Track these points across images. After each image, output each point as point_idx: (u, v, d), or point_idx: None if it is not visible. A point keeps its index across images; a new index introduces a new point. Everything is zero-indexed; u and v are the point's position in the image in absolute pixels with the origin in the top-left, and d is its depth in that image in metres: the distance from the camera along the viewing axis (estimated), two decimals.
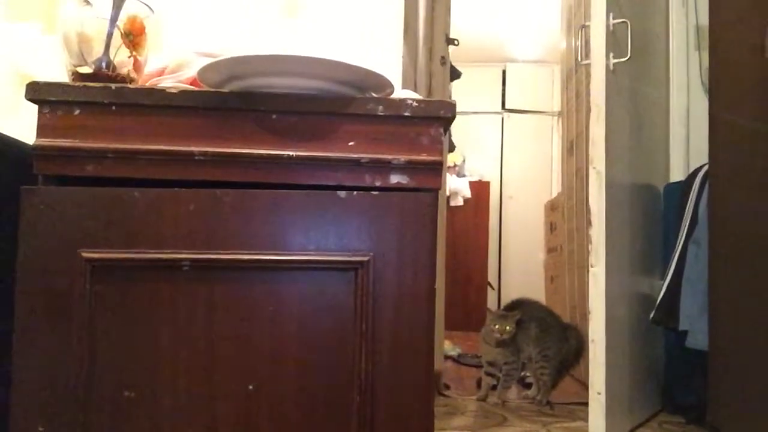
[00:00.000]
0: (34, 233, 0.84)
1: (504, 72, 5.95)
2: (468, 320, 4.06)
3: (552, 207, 4.03)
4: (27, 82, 0.88)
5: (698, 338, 2.23)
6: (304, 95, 0.88)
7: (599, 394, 2.16)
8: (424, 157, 0.89)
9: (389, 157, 0.88)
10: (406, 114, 0.89)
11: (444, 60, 3.19)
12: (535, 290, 3.86)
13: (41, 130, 0.86)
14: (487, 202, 5.77)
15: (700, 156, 2.75)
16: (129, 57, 0.93)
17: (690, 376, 2.33)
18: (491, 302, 5.40)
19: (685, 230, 2.40)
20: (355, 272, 0.87)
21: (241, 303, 0.86)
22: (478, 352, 3.54)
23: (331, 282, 0.88)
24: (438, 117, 0.89)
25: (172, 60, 1.09)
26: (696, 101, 2.90)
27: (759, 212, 1.73)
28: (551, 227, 4.02)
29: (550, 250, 4.04)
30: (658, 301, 2.47)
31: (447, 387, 3.02)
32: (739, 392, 1.84)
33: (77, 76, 0.92)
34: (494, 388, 2.91)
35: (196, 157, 0.87)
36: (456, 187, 5.33)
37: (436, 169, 0.89)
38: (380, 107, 0.88)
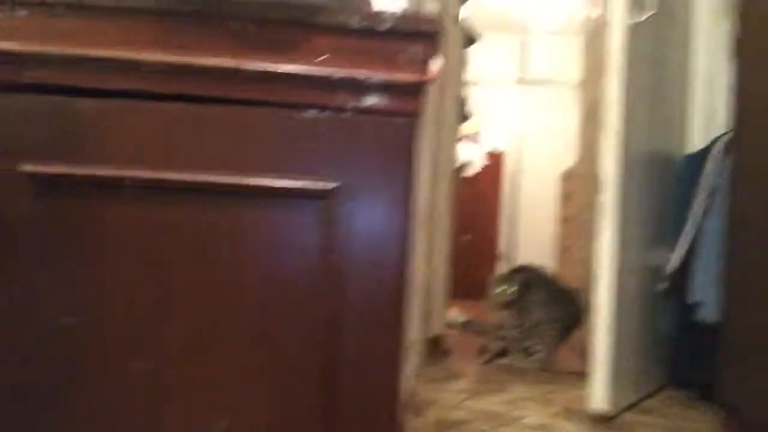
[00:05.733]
0: None
1: (523, 42, 5.78)
2: (478, 290, 3.97)
3: (568, 176, 3.91)
4: None
5: (710, 310, 2.14)
6: (268, 1, 0.79)
7: (601, 362, 2.08)
8: (401, 77, 0.79)
9: (363, 75, 0.79)
10: (384, 28, 0.79)
11: (457, 20, 3.06)
12: (547, 261, 3.78)
13: None
14: (501, 173, 5.65)
15: (719, 124, 2.62)
16: None
17: (698, 351, 2.24)
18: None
19: (703, 200, 2.28)
20: (322, 200, 0.79)
21: (194, 229, 0.78)
22: (487, 320, 3.48)
23: (296, 211, 0.79)
24: (419, 32, 0.79)
25: None
26: (717, 65, 2.76)
27: None
28: (566, 197, 3.90)
29: (564, 220, 3.93)
30: (668, 272, 2.37)
31: (448, 353, 2.96)
32: (751, 367, 1.74)
33: None
34: (502, 354, 2.89)
35: (147, 67, 0.78)
36: (470, 157, 5.22)
37: (415, 91, 0.80)
38: (355, 18, 0.79)
